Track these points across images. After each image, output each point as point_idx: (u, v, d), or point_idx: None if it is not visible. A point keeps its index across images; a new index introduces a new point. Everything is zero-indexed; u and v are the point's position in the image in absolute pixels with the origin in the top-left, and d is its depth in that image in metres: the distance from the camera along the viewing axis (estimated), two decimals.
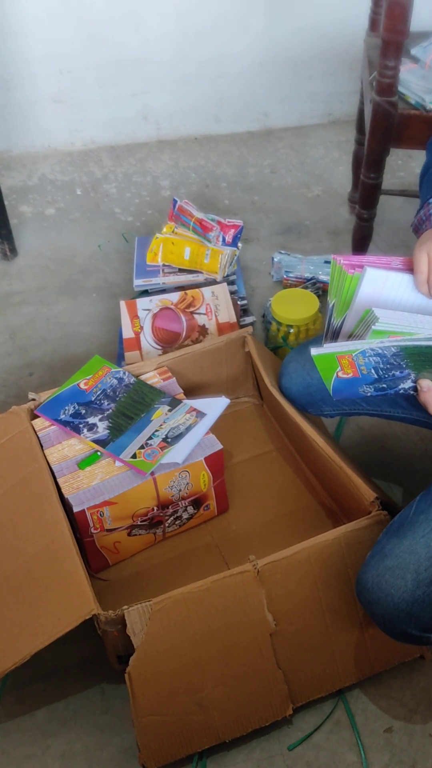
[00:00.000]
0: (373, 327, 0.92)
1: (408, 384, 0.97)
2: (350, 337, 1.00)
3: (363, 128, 1.84)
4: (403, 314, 0.95)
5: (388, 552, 0.94)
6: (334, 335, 1.02)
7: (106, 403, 1.27)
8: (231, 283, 1.72)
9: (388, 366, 0.94)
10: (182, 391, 1.32)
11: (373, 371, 0.95)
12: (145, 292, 1.72)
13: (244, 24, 2.24)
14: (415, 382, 0.97)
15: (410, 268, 0.99)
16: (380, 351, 0.92)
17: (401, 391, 0.98)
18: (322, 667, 1.08)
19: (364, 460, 1.45)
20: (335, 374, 0.96)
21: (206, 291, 1.62)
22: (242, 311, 1.73)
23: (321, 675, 1.08)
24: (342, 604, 1.07)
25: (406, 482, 1.42)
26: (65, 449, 1.22)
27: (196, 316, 1.58)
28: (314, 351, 0.94)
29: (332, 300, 1.00)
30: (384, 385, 0.97)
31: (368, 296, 0.97)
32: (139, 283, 1.72)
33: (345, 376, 0.96)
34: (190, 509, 1.25)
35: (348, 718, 1.11)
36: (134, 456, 1.17)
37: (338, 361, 0.94)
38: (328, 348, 0.93)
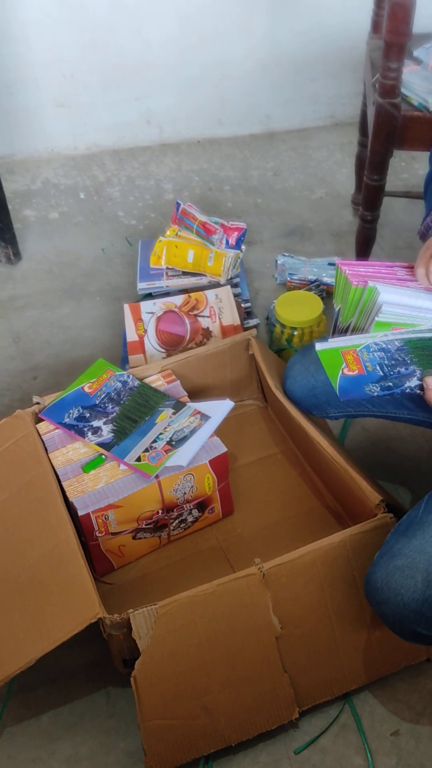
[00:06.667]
0: (376, 318, 0.93)
1: (414, 382, 0.97)
2: (354, 330, 1.00)
3: (366, 130, 1.84)
4: (407, 306, 0.95)
5: (397, 552, 0.93)
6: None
7: (110, 407, 1.27)
8: (234, 285, 1.72)
9: (392, 362, 0.94)
10: (186, 393, 1.32)
11: (378, 368, 0.95)
12: (149, 296, 1.72)
13: (246, 27, 2.24)
14: (421, 379, 0.97)
15: (413, 274, 0.99)
16: (384, 345, 0.92)
17: (408, 390, 0.98)
18: (329, 670, 1.07)
19: (370, 462, 1.44)
20: (341, 371, 0.96)
21: (210, 294, 1.62)
22: (246, 314, 1.72)
23: (327, 678, 1.07)
24: (348, 607, 1.07)
25: (411, 484, 1.42)
26: (70, 453, 1.21)
27: (199, 318, 1.58)
28: (319, 346, 0.94)
29: (338, 305, 1.00)
30: (390, 384, 0.97)
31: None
32: (142, 286, 1.72)
33: (350, 373, 0.96)
34: (195, 512, 1.25)
35: (354, 721, 1.10)
36: (139, 459, 1.17)
37: (343, 357, 0.95)
38: (333, 343, 0.94)
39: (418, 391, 0.98)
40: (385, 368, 0.95)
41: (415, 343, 0.92)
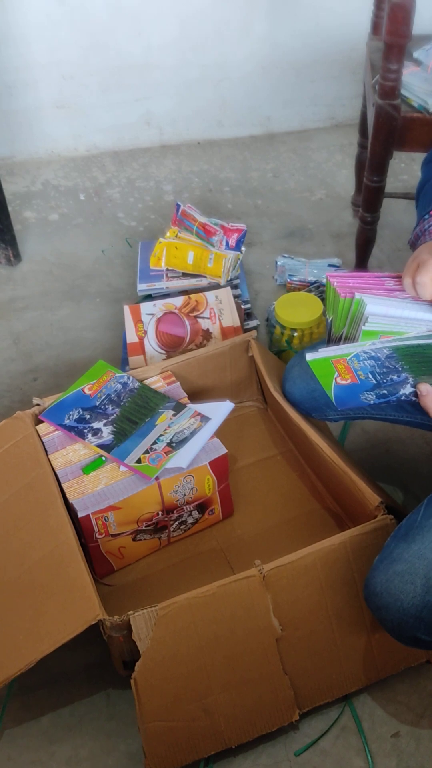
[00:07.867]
0: (363, 328, 0.93)
1: (408, 389, 0.97)
2: (346, 340, 1.00)
3: (366, 131, 1.84)
4: (393, 317, 0.95)
5: (396, 557, 0.93)
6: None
7: (110, 408, 1.27)
8: (234, 287, 1.72)
9: (384, 370, 0.95)
10: (186, 395, 1.32)
11: (370, 376, 0.95)
12: (149, 297, 1.72)
13: (246, 29, 2.24)
14: (414, 386, 0.97)
15: (401, 284, 1.00)
16: (374, 354, 0.92)
17: (403, 398, 0.98)
18: (329, 672, 1.07)
19: (369, 464, 1.44)
20: (334, 380, 0.96)
21: (210, 295, 1.62)
22: (246, 315, 1.72)
23: (327, 680, 1.07)
24: (348, 609, 1.07)
25: (411, 486, 1.42)
26: (70, 454, 1.21)
27: (199, 320, 1.58)
28: (309, 356, 0.95)
29: (330, 316, 1.01)
30: (385, 391, 0.98)
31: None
32: (142, 287, 1.72)
33: (343, 382, 0.96)
34: (195, 514, 1.25)
35: (355, 723, 1.10)
36: (139, 461, 1.17)
37: (334, 366, 0.95)
38: (323, 353, 0.94)
39: (413, 398, 0.98)
40: (378, 376, 0.95)
41: (404, 351, 0.92)
